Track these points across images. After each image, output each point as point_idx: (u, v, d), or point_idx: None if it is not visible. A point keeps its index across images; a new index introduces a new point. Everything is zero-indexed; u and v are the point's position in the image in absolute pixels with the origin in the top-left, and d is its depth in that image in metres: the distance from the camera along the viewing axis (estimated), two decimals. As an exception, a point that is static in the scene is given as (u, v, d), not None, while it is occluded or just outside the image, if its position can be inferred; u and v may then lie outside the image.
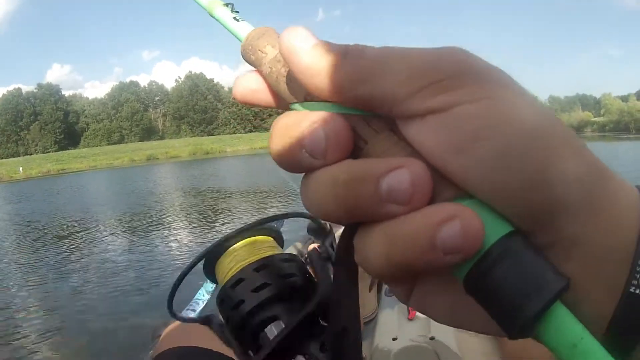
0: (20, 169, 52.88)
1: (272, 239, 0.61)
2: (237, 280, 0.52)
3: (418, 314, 1.35)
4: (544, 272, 0.21)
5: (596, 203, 0.22)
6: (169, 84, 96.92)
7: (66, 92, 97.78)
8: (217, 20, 0.35)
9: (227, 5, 0.35)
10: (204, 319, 0.57)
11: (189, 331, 0.95)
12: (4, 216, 14.75)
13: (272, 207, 10.70)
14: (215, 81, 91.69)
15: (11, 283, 6.29)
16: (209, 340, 0.83)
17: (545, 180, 0.21)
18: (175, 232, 8.73)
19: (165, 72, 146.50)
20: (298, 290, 0.54)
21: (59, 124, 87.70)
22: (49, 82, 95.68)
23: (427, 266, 0.22)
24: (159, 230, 9.04)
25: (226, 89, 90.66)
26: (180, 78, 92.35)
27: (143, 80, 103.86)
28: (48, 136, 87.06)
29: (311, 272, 0.58)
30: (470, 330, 0.26)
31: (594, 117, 76.79)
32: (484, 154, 0.21)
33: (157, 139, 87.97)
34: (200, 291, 3.01)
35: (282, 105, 0.30)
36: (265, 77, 0.30)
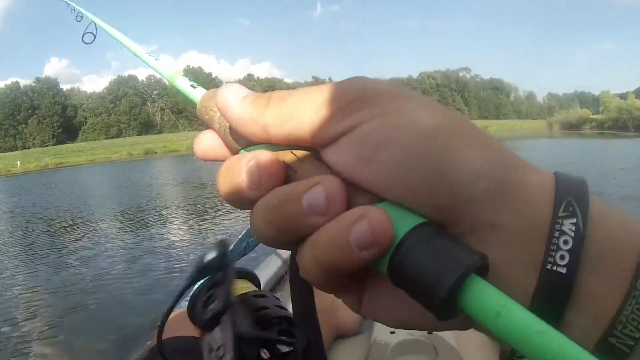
0: (18, 162, 52.90)
1: (247, 280, 0.69)
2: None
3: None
4: (456, 251, 0.22)
5: (505, 191, 0.24)
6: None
7: (64, 86, 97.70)
8: (177, 88, 0.39)
9: (185, 75, 0.40)
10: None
11: (188, 321, 0.94)
12: (3, 208, 14.79)
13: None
14: (213, 75, 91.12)
15: (7, 275, 6.36)
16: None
17: (447, 175, 0.23)
18: (175, 225, 8.77)
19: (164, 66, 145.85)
20: (272, 319, 0.59)
21: (57, 117, 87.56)
22: (47, 76, 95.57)
23: (349, 264, 0.24)
24: (159, 222, 9.10)
25: (224, 82, 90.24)
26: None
27: (141, 75, 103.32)
28: (46, 130, 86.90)
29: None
30: (415, 329, 0.28)
31: (593, 114, 76.52)
32: (387, 161, 0.24)
33: (156, 133, 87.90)
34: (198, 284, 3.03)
35: (233, 155, 0.32)
36: (217, 133, 0.33)
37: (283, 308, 0.61)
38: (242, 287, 0.65)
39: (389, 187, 0.24)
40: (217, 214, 9.42)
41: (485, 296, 0.21)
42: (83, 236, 8.49)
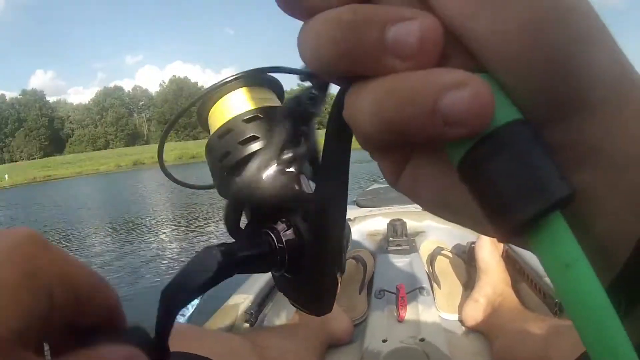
0: (6, 176, 52.55)
1: (271, 91, 0.55)
2: (225, 131, 0.48)
3: (408, 315, 1.35)
4: (549, 174, 0.18)
5: (623, 105, 0.20)
6: (153, 89, 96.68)
7: (50, 98, 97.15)
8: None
9: None
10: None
11: (194, 336, 0.92)
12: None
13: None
14: (199, 84, 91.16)
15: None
16: (198, 344, 0.81)
17: (572, 68, 0.18)
18: (163, 236, 8.77)
19: (149, 77, 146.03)
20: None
21: (43, 130, 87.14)
22: (33, 88, 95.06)
23: (420, 133, 0.19)
24: (149, 234, 9.06)
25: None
26: (164, 82, 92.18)
27: (127, 85, 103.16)
28: (33, 143, 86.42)
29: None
30: (457, 224, 0.25)
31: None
32: (510, 22, 0.18)
33: (142, 144, 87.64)
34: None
35: None
36: None
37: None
38: (269, 97, 0.54)
39: (499, 57, 0.18)
40: (207, 223, 9.39)
41: (561, 240, 0.18)
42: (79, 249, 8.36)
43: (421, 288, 1.49)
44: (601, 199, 0.20)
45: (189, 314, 2.91)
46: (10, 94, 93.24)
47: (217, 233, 8.35)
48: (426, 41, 0.19)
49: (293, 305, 0.44)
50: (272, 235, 0.38)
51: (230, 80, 0.51)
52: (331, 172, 0.32)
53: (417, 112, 0.18)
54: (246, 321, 1.44)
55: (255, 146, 0.45)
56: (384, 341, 1.29)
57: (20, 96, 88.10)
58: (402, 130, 0.19)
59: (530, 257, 1.44)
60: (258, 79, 0.53)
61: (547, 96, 0.19)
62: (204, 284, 0.32)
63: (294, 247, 0.38)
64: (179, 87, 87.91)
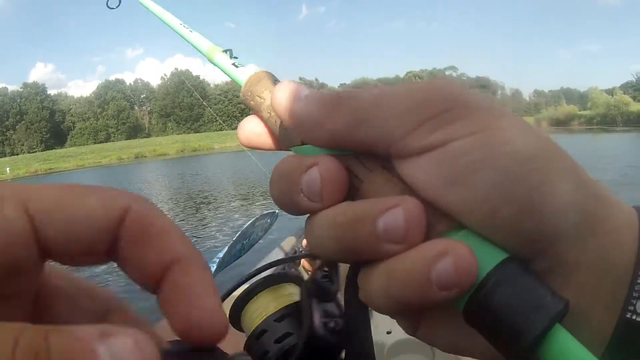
0: (7, 169, 52.77)
1: (294, 284, 0.59)
2: (261, 332, 0.51)
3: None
4: (542, 295, 0.21)
5: (592, 226, 0.22)
6: (154, 82, 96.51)
7: (50, 91, 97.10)
8: (217, 66, 0.36)
9: (225, 51, 0.36)
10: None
11: None
12: None
13: (260, 196, 11.05)
14: (201, 77, 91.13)
15: None
16: None
17: (540, 208, 0.21)
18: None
19: (149, 70, 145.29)
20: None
21: (44, 123, 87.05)
22: (34, 81, 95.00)
23: (424, 301, 0.22)
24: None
25: (212, 85, 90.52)
26: (166, 75, 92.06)
27: (128, 79, 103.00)
28: (34, 135, 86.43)
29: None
30: (474, 358, 0.26)
31: (579, 110, 77.15)
32: (478, 186, 0.22)
33: (144, 137, 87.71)
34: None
35: (284, 148, 0.30)
36: (264, 122, 0.30)
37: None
38: (292, 292, 0.58)
39: (474, 215, 0.22)
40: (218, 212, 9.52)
41: (568, 348, 0.20)
42: None
43: None
44: (586, 309, 0.23)
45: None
46: (12, 87, 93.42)
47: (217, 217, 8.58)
48: (411, 222, 0.22)
49: None
50: None
51: (258, 286, 0.54)
52: (358, 337, 0.34)
53: (417, 288, 0.22)
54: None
55: (290, 341, 0.48)
56: (389, 333, 1.37)
57: (22, 89, 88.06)
58: (409, 304, 0.23)
59: None
60: (283, 277, 0.57)
61: (523, 237, 0.22)
62: None
63: None
64: (181, 80, 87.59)
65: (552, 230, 0.22)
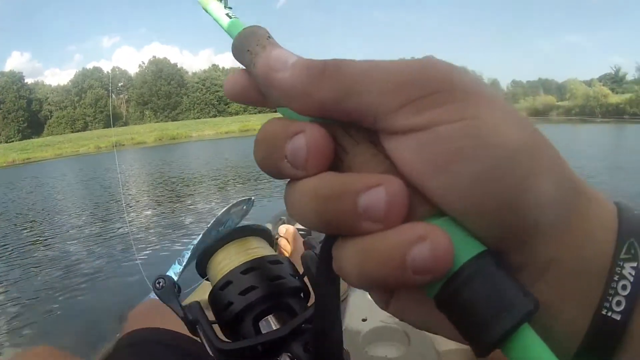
0: (-15, 159, 52.78)
1: (262, 239, 0.62)
2: (225, 283, 0.53)
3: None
4: (513, 293, 0.21)
5: (569, 222, 0.23)
6: (131, 70, 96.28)
7: (27, 80, 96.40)
8: (209, 14, 0.36)
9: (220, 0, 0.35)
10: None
11: (158, 312, 0.96)
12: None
13: (236, 184, 11.55)
14: (179, 65, 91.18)
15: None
16: (160, 319, 0.88)
17: (522, 203, 0.21)
18: (143, 219, 8.82)
19: (126, 58, 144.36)
20: (286, 292, 0.54)
21: (22, 112, 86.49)
22: (11, 70, 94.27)
23: (397, 284, 0.22)
24: (127, 216, 8.99)
25: (190, 73, 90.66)
26: (144, 63, 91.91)
27: (106, 67, 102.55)
28: (11, 125, 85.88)
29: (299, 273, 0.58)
30: (444, 337, 0.27)
31: (557, 101, 77.82)
32: (462, 175, 0.21)
33: (121, 125, 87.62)
34: (168, 272, 3.73)
35: (271, 105, 0.29)
36: (253, 77, 0.28)
37: (296, 276, 0.57)
38: (258, 246, 0.59)
39: (455, 204, 0.22)
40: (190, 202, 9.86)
41: (531, 350, 0.20)
42: (56, 231, 8.73)
43: None
44: (560, 306, 0.23)
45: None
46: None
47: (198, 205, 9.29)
48: (393, 204, 0.22)
49: None
50: None
51: (226, 237, 0.58)
52: (326, 308, 0.34)
53: (391, 269, 0.21)
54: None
55: (255, 294, 0.51)
56: (364, 320, 1.39)
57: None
58: (381, 282, 0.22)
59: None
60: (249, 230, 0.60)
61: (502, 231, 0.22)
62: None
63: None
64: (159, 68, 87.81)
65: (531, 225, 0.22)
